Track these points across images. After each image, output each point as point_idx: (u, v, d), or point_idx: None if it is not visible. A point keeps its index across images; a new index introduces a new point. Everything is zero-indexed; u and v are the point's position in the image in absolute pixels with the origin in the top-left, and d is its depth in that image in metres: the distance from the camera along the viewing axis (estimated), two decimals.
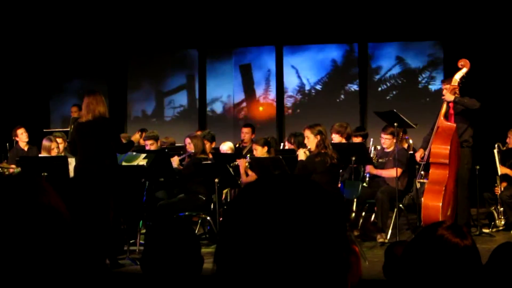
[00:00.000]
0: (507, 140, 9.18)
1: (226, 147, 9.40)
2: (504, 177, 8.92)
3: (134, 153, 8.09)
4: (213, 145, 9.49)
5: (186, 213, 8.21)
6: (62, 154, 9.13)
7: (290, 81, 13.55)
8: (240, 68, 13.79)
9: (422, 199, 7.72)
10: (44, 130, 11.60)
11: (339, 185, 8.00)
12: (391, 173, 8.32)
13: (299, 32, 12.99)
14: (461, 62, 7.91)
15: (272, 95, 13.60)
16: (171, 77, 14.00)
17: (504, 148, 9.05)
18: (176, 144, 10.09)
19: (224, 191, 9.12)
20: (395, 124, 8.14)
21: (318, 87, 13.52)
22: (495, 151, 8.86)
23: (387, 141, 8.67)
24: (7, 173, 8.88)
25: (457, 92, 7.91)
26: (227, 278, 1.02)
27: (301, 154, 7.64)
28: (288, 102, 13.60)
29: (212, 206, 8.21)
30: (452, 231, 2.19)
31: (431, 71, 13.01)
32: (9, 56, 13.04)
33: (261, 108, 13.72)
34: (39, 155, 9.17)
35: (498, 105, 11.15)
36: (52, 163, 7.98)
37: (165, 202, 8.30)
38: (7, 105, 12.95)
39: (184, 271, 2.62)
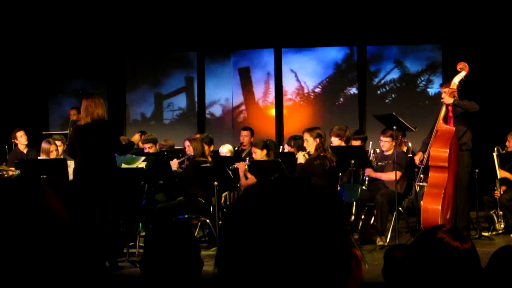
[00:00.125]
0: (507, 144, 9.18)
1: (226, 149, 9.40)
2: (504, 180, 8.92)
3: (134, 155, 8.08)
4: (212, 148, 9.49)
5: (186, 216, 8.21)
6: (61, 156, 9.12)
7: (289, 84, 13.55)
8: (239, 71, 13.79)
9: (422, 202, 7.73)
10: (43, 132, 11.59)
11: (338, 188, 8.00)
12: (390, 176, 8.32)
13: (298, 35, 13.00)
14: (460, 65, 7.92)
15: (271, 98, 13.60)
16: (170, 80, 14.00)
17: (504, 151, 9.04)
18: (175, 147, 10.08)
19: (224, 194, 9.13)
20: (394, 127, 8.14)
21: (317, 90, 13.52)
22: (495, 154, 8.85)
23: (386, 144, 8.67)
24: (6, 175, 8.87)
25: (456, 95, 7.92)
26: (228, 281, 1.02)
27: (301, 157, 7.64)
28: (287, 105, 13.59)
29: (211, 209, 8.20)
30: (452, 235, 2.19)
31: (430, 75, 13.01)
32: (8, 59, 13.04)
33: (260, 111, 13.71)
34: (38, 157, 9.17)
35: (497, 108, 11.15)
36: (51, 165, 7.98)
37: (164, 205, 8.30)
38: (6, 107, 12.95)
39: (183, 274, 2.61)
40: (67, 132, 10.29)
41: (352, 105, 13.24)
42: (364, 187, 8.47)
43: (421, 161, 7.97)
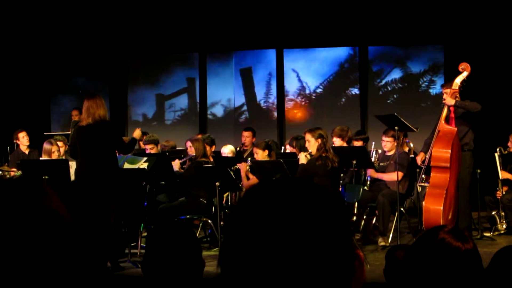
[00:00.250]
0: (509, 144, 9.17)
1: (228, 150, 9.40)
2: (505, 181, 8.92)
3: (135, 156, 8.09)
4: (213, 149, 9.49)
5: (187, 216, 8.21)
6: (63, 157, 9.13)
7: (291, 85, 13.55)
8: (241, 71, 13.79)
9: (423, 202, 7.72)
10: (45, 133, 11.60)
11: (340, 188, 8.00)
12: (392, 176, 8.31)
13: (300, 35, 13.00)
14: (461, 66, 7.92)
15: (273, 98, 13.59)
16: (172, 80, 14.00)
17: (506, 152, 9.04)
18: (177, 148, 10.09)
19: (225, 195, 9.12)
20: (396, 127, 8.14)
21: (319, 90, 13.52)
22: (496, 155, 8.85)
23: (388, 144, 8.66)
24: (8, 176, 8.87)
25: (458, 96, 7.92)
26: (231, 281, 1.02)
27: (302, 158, 7.65)
28: (289, 105, 13.59)
29: (213, 210, 8.20)
30: (454, 235, 2.19)
31: (432, 75, 13.00)
32: (10, 60, 13.05)
33: (262, 111, 13.71)
34: (40, 158, 9.18)
35: (499, 109, 11.14)
36: (53, 166, 7.98)
37: (166, 206, 8.30)
38: (8, 108, 12.95)
39: (185, 274, 2.61)
40: (69, 132, 10.30)
41: (354, 105, 13.24)
42: (366, 188, 8.47)
43: (423, 162, 7.97)
